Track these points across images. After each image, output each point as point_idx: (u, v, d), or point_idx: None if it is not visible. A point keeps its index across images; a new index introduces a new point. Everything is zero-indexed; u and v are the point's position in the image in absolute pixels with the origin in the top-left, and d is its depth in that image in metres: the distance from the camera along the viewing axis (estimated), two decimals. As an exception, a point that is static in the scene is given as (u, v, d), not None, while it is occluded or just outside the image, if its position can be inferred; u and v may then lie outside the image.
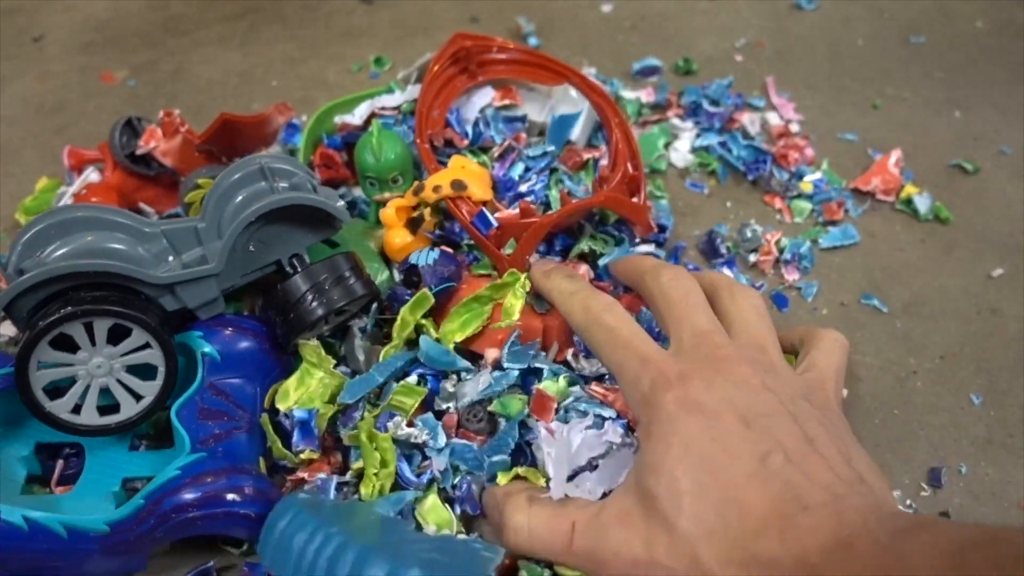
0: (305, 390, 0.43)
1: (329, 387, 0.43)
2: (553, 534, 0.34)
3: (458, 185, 0.47)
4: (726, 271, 0.54)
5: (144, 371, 0.40)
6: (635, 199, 0.50)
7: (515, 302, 0.44)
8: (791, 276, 0.54)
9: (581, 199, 0.48)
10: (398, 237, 0.49)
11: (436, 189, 0.47)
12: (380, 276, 0.48)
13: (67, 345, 0.39)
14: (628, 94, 0.68)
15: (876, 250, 0.56)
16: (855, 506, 0.29)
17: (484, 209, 0.47)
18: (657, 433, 0.33)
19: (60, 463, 0.43)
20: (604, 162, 0.55)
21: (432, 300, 0.44)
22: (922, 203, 0.58)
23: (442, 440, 0.40)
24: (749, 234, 0.56)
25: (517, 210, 0.48)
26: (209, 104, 0.70)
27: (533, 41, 0.77)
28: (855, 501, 0.29)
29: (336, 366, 0.44)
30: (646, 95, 0.69)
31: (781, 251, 0.55)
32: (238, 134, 0.57)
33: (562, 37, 0.79)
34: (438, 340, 0.43)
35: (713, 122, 0.64)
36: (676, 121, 0.65)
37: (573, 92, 0.58)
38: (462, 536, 0.38)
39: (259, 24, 0.80)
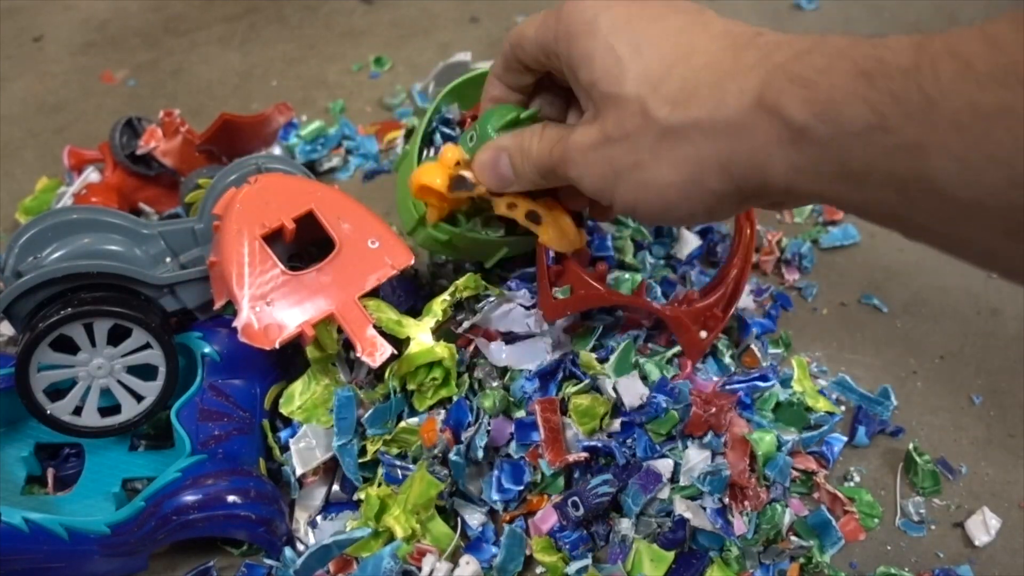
0: (310, 396, 0.43)
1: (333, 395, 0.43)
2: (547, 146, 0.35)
3: (533, 217, 0.40)
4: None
5: (145, 371, 0.40)
6: (703, 334, 0.45)
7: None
8: (792, 276, 0.54)
9: (653, 302, 0.45)
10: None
11: (511, 207, 0.40)
12: None
13: (67, 347, 0.39)
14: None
15: (876, 250, 0.56)
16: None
17: None
18: (582, 44, 0.31)
19: (52, 472, 0.43)
20: (706, 278, 0.50)
21: None
22: (922, 203, 0.58)
23: None
24: (749, 234, 0.56)
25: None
26: (209, 104, 0.70)
27: (533, 41, 0.77)
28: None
29: None
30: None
31: (782, 251, 0.55)
32: (238, 134, 0.57)
33: (562, 37, 0.78)
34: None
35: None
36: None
37: None
38: None
39: (259, 24, 0.80)
